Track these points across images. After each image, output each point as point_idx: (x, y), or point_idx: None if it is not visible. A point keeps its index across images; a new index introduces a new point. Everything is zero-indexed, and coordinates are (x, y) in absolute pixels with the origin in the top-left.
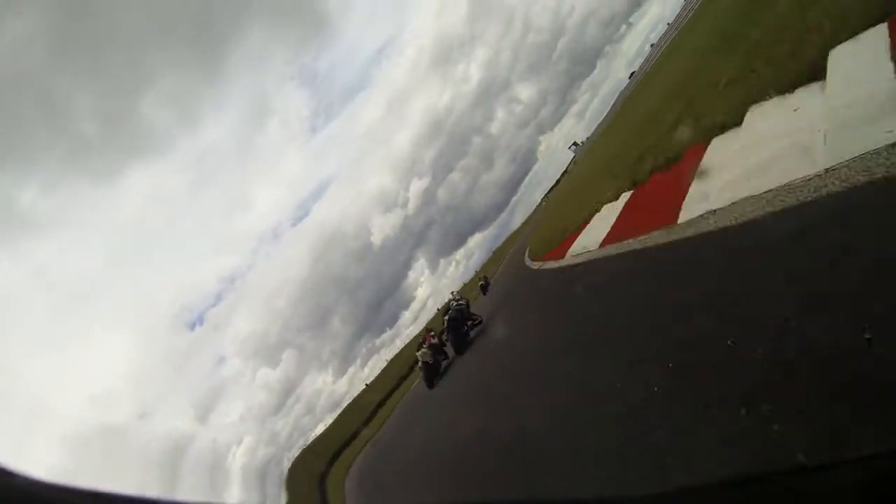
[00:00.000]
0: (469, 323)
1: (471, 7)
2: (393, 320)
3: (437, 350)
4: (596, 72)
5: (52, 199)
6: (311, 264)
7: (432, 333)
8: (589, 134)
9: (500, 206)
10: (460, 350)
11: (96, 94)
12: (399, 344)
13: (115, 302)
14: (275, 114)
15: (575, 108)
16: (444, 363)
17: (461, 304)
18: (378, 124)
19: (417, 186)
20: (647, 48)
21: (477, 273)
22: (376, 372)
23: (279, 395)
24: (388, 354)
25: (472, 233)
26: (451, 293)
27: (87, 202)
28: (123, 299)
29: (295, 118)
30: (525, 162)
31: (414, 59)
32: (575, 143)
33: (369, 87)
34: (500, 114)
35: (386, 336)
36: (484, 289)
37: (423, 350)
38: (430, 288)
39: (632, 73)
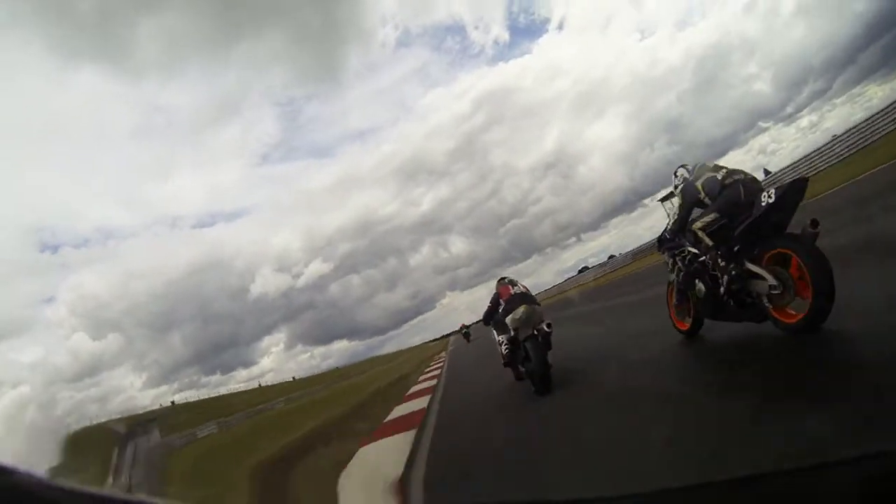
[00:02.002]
0: None
1: (458, 147)
2: (227, 369)
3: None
4: (529, 262)
5: None
6: (186, 272)
7: (506, 280)
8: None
9: (379, 331)
10: None
11: None
12: (223, 391)
13: None
14: (242, 120)
15: (490, 284)
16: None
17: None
18: (318, 193)
19: (317, 268)
20: (608, 258)
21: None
22: (187, 398)
23: (82, 367)
24: (204, 394)
25: (340, 337)
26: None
27: (26, 66)
28: None
29: (256, 137)
30: (423, 305)
31: (385, 157)
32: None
33: (333, 156)
34: (426, 250)
35: (214, 379)
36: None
37: (519, 310)
38: (276, 363)
39: (582, 269)
